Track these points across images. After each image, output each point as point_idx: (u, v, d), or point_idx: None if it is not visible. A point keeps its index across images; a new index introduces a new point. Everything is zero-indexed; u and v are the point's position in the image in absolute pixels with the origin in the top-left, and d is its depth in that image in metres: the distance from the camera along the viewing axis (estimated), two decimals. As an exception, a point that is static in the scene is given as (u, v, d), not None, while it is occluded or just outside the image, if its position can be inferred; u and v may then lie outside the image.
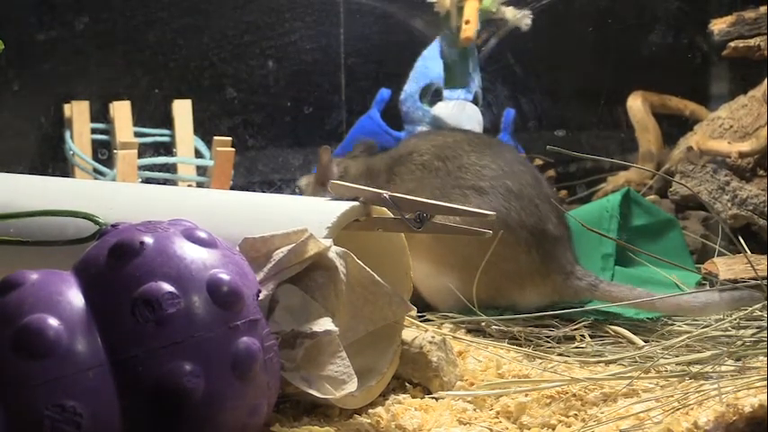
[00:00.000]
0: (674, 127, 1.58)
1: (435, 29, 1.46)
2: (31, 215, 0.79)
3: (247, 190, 1.39)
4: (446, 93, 1.44)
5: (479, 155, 1.18)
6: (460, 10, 1.42)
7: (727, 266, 1.17)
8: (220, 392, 0.59)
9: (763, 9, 1.40)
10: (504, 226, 1.11)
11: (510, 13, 1.43)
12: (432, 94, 1.46)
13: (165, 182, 1.32)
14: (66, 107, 1.34)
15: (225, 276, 0.62)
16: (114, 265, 0.61)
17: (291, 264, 0.70)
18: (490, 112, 1.54)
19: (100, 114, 1.37)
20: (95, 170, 1.29)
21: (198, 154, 1.35)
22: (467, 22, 1.40)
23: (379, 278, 0.76)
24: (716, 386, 0.76)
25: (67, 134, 1.32)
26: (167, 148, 1.37)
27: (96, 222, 0.70)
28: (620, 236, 1.25)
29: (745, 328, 0.96)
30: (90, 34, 1.45)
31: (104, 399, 0.58)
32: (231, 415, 0.60)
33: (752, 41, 1.39)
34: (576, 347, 0.98)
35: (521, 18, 1.41)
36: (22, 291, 0.60)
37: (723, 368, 0.83)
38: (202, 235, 0.65)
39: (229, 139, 1.32)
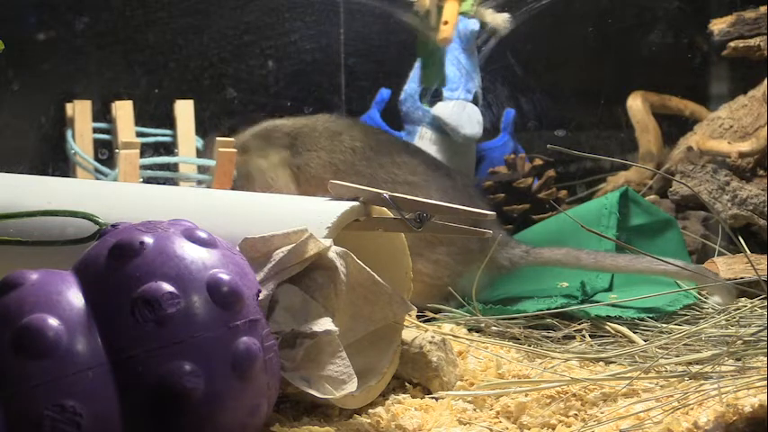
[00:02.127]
0: (674, 127, 1.57)
1: (419, 27, 1.46)
2: (31, 215, 0.79)
3: (247, 190, 1.39)
4: (446, 93, 1.44)
5: (411, 156, 1.25)
6: (440, 9, 1.42)
7: (727, 266, 1.17)
8: (220, 392, 0.59)
9: (763, 9, 1.40)
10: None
11: (489, 15, 1.42)
12: (432, 94, 1.46)
13: (165, 181, 1.32)
14: (68, 106, 1.34)
15: (225, 276, 0.62)
16: (114, 265, 0.61)
17: (291, 264, 0.70)
18: (490, 112, 1.53)
19: (100, 114, 1.37)
20: (97, 170, 1.29)
21: (199, 154, 1.35)
22: (445, 23, 1.40)
23: (379, 278, 0.76)
24: (716, 386, 0.76)
25: (69, 133, 1.32)
26: (168, 148, 1.37)
27: (96, 222, 0.70)
28: (618, 234, 1.25)
29: (745, 326, 0.96)
30: (90, 34, 1.45)
31: (104, 399, 0.58)
32: (231, 415, 0.60)
33: (752, 41, 1.39)
34: (576, 347, 0.98)
35: (501, 21, 1.41)
36: (22, 291, 0.60)
37: (723, 368, 0.83)
38: (202, 235, 0.65)
39: (232, 139, 1.32)
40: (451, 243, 1.18)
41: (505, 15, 1.42)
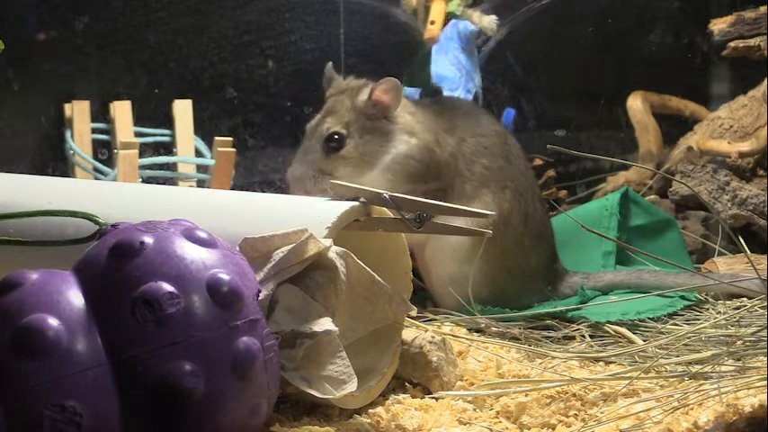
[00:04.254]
0: (674, 127, 1.57)
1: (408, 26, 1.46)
2: (31, 215, 0.79)
3: (247, 190, 1.39)
4: (445, 93, 1.44)
5: (523, 159, 1.22)
6: (428, 9, 1.41)
7: (727, 266, 1.17)
8: (220, 392, 0.59)
9: (763, 9, 1.40)
10: (540, 237, 1.17)
11: (476, 17, 1.42)
12: (431, 94, 1.46)
13: (165, 181, 1.32)
14: (67, 107, 1.34)
15: (225, 276, 0.62)
16: (114, 265, 0.61)
17: (291, 264, 0.70)
18: (490, 112, 1.53)
19: (100, 114, 1.37)
20: (96, 170, 1.29)
21: (198, 154, 1.35)
22: (432, 23, 1.39)
23: (379, 278, 0.76)
24: (716, 386, 0.76)
25: (68, 134, 1.32)
26: (167, 148, 1.37)
27: (96, 222, 0.70)
28: (619, 235, 1.25)
29: (745, 326, 0.96)
30: (90, 34, 1.45)
31: (104, 399, 0.58)
32: (231, 415, 0.60)
33: (752, 41, 1.39)
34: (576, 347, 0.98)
35: (487, 23, 1.40)
36: (22, 291, 0.60)
37: (723, 368, 0.83)
38: (202, 235, 0.65)
39: (230, 139, 1.32)
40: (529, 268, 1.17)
41: (492, 17, 1.41)
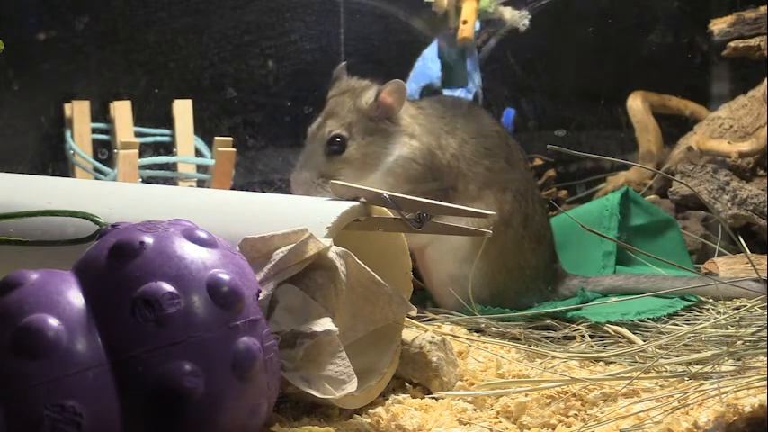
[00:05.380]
0: (674, 127, 1.57)
1: (435, 29, 1.46)
2: (31, 215, 0.79)
3: (247, 190, 1.39)
4: (445, 93, 1.44)
5: (524, 160, 1.22)
6: (458, 10, 1.42)
7: (727, 266, 1.17)
8: (220, 392, 0.59)
9: (763, 9, 1.40)
10: (540, 238, 1.17)
11: (508, 13, 1.42)
12: (431, 95, 1.46)
13: (165, 181, 1.32)
14: (67, 107, 1.34)
15: (225, 276, 0.62)
16: (114, 265, 0.61)
17: (291, 264, 0.70)
18: (490, 111, 1.53)
19: (100, 114, 1.37)
20: (96, 170, 1.29)
21: (198, 154, 1.36)
22: (464, 22, 1.40)
23: (379, 278, 0.76)
24: (716, 386, 0.76)
25: (68, 133, 1.32)
26: (167, 148, 1.37)
27: (96, 222, 0.70)
28: (619, 235, 1.25)
29: (745, 326, 0.96)
30: (90, 34, 1.45)
31: (104, 399, 0.58)
32: (231, 415, 0.60)
33: (752, 41, 1.39)
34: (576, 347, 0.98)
35: (518, 18, 1.41)
36: (22, 291, 0.60)
37: (723, 368, 0.83)
38: (202, 235, 0.65)
39: (230, 139, 1.32)
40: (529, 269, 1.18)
41: (524, 13, 1.41)
